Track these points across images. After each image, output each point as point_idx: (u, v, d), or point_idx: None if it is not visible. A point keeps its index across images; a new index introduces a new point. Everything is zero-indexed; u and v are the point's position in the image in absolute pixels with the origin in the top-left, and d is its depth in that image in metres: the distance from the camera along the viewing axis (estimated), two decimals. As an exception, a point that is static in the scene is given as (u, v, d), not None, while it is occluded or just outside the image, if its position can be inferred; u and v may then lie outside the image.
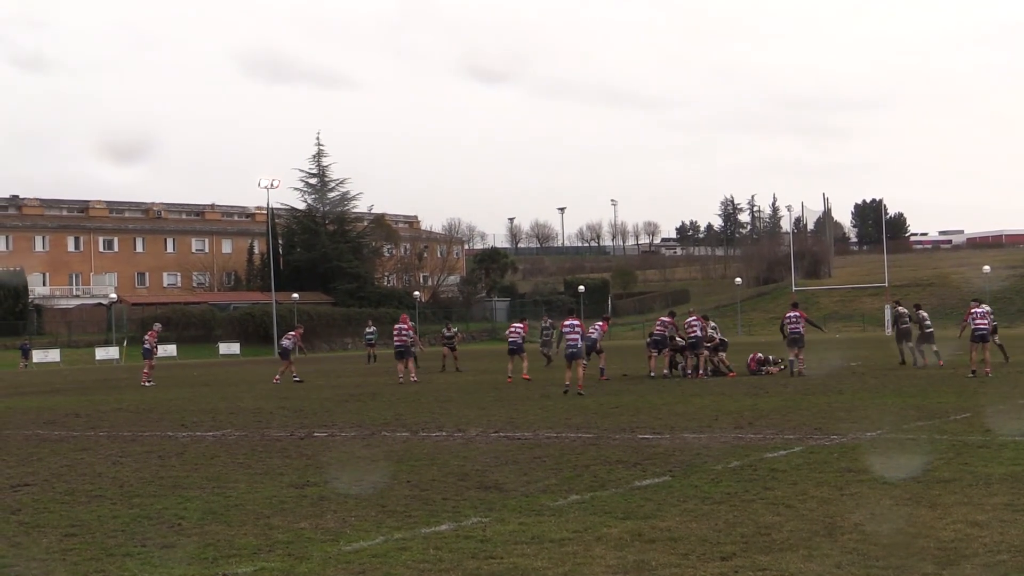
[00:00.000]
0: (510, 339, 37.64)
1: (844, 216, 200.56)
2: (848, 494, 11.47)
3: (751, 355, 35.61)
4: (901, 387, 26.58)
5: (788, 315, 33.71)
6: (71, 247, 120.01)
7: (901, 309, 38.05)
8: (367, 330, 61.17)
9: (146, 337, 42.66)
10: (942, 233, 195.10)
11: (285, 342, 40.96)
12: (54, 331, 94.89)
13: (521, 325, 38.93)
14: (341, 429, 20.91)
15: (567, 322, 28.66)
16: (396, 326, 37.79)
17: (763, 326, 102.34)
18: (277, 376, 38.99)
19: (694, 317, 35.00)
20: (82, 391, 39.53)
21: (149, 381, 40.48)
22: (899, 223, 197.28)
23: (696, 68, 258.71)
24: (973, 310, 30.88)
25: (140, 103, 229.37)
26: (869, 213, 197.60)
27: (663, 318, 35.90)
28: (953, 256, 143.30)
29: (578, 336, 28.04)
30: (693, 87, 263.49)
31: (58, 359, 79.84)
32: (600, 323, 38.03)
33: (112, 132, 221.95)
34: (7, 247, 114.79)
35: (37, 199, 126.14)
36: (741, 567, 8.47)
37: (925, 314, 36.34)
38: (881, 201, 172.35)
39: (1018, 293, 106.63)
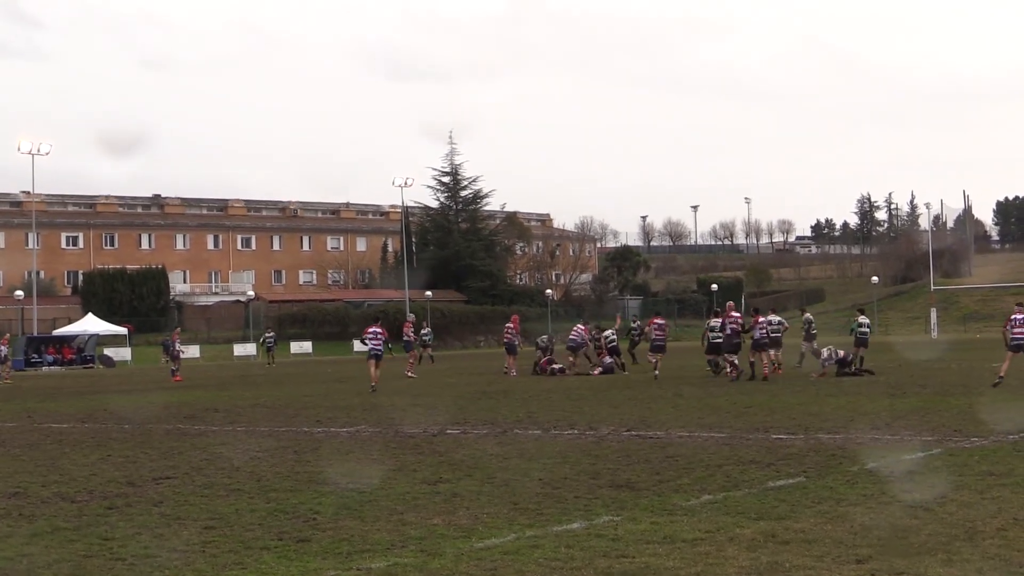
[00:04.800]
0: (505, 339, 42.08)
1: (985, 213, 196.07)
2: (989, 498, 11.21)
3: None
4: (1045, 389, 25.86)
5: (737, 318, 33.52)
6: (211, 245, 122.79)
7: (862, 319, 36.11)
8: (423, 330, 57.91)
9: (405, 329, 45.21)
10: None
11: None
12: (194, 328, 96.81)
13: (512, 325, 42.02)
14: (473, 426, 21.02)
15: (371, 329, 33.73)
16: (371, 329, 34.40)
17: (901, 325, 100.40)
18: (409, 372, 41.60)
19: (768, 318, 33.84)
20: (221, 387, 40.30)
21: (412, 373, 41.89)
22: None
23: (830, 61, 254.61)
24: (1014, 316, 29.00)
25: (270, 102, 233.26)
26: (1012, 210, 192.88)
27: (735, 313, 34.22)
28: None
29: (380, 341, 33.36)
30: (827, 80, 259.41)
31: (198, 355, 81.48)
32: (581, 326, 41.34)
33: (244, 132, 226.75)
34: (150, 245, 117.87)
35: (178, 198, 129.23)
36: (877, 570, 8.33)
37: (810, 316, 39.52)
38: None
39: None
